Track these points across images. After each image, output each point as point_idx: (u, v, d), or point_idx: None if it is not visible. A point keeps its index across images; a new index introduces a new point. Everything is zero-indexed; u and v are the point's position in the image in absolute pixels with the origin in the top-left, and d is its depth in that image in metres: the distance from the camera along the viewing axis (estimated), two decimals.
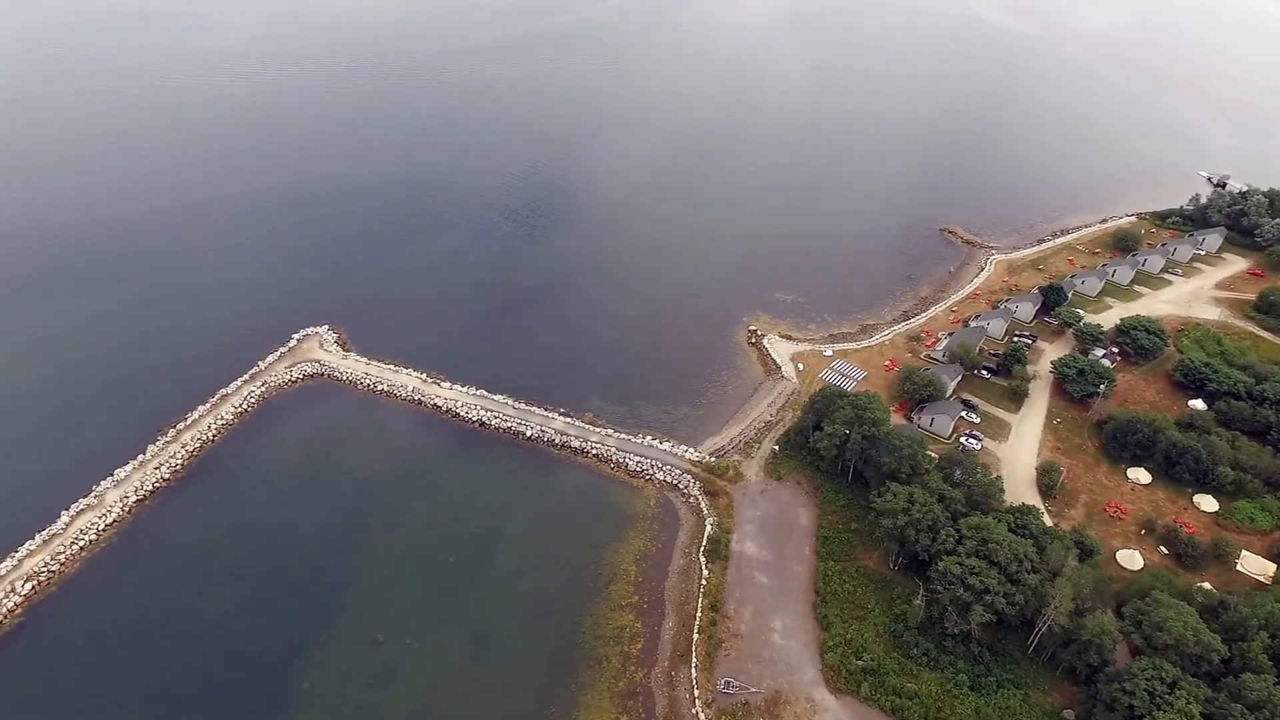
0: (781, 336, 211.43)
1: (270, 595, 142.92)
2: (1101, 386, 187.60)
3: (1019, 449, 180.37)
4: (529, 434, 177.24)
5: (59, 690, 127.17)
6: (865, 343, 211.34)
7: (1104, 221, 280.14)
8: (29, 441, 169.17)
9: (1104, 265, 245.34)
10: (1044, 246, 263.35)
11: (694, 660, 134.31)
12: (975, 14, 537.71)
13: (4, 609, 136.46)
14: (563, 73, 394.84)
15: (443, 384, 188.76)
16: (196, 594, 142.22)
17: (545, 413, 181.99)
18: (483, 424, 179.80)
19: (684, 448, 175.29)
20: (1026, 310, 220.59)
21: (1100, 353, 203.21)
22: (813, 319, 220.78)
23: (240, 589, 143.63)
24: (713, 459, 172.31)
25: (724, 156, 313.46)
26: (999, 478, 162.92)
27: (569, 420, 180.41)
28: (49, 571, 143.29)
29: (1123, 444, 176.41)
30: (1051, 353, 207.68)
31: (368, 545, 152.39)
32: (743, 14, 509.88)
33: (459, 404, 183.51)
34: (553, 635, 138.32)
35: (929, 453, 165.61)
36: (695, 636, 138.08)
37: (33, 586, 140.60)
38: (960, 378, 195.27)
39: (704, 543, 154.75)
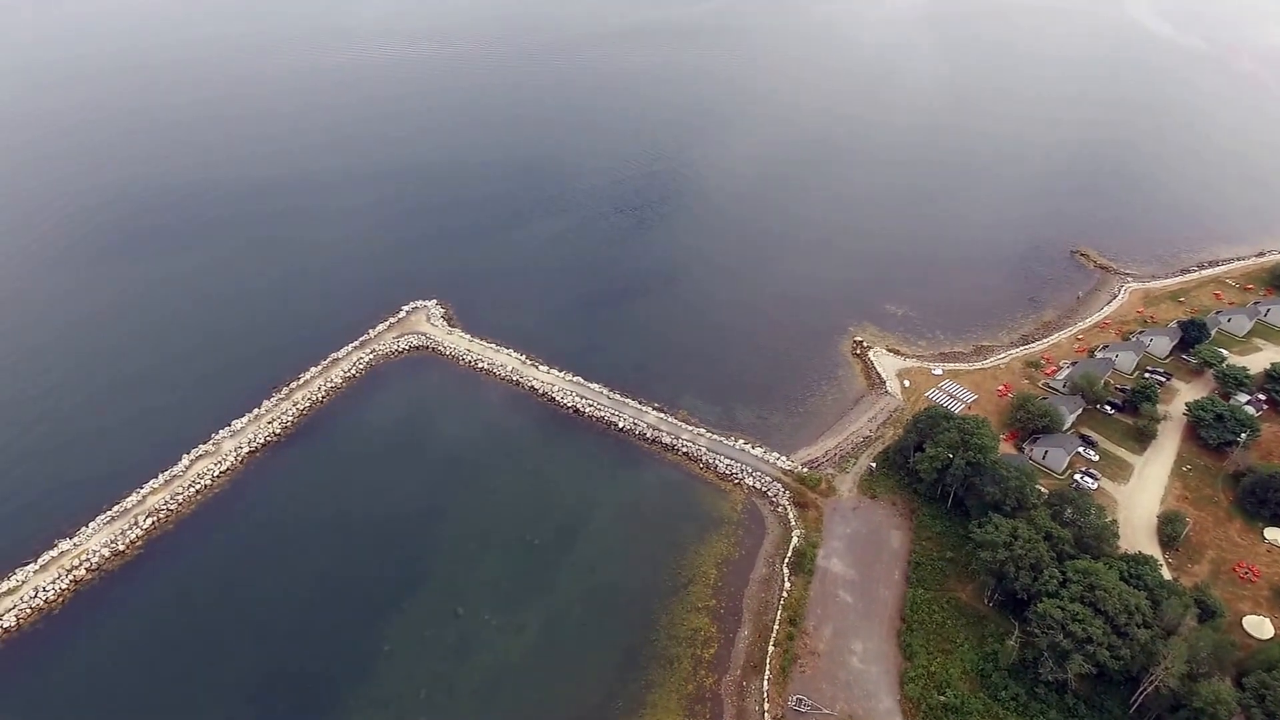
0: (889, 350, 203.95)
1: (361, 556, 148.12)
2: (1242, 435, 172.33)
3: (1140, 493, 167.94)
4: (621, 425, 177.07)
5: (166, 619, 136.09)
6: (978, 364, 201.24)
7: (1261, 255, 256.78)
8: (161, 385, 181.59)
9: (1256, 303, 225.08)
10: (1187, 278, 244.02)
11: (767, 673, 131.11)
12: (1133, 21, 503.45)
13: (127, 539, 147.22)
14: (686, 63, 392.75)
15: (541, 367, 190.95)
16: (295, 547, 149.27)
17: (639, 405, 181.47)
18: (577, 411, 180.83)
19: (776, 455, 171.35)
20: (1162, 345, 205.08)
21: (1244, 398, 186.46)
22: (923, 335, 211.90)
23: (334, 546, 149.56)
24: (805, 469, 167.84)
25: (846, 157, 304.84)
26: (1114, 521, 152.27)
27: (662, 415, 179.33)
28: (168, 510, 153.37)
29: (1262, 500, 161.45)
30: (1187, 394, 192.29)
31: (456, 518, 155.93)
32: (880, 12, 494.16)
33: (555, 388, 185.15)
34: (627, 629, 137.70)
35: (1038, 487, 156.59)
36: (771, 649, 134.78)
37: (153, 522, 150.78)
38: (1080, 411, 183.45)
39: (789, 554, 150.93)
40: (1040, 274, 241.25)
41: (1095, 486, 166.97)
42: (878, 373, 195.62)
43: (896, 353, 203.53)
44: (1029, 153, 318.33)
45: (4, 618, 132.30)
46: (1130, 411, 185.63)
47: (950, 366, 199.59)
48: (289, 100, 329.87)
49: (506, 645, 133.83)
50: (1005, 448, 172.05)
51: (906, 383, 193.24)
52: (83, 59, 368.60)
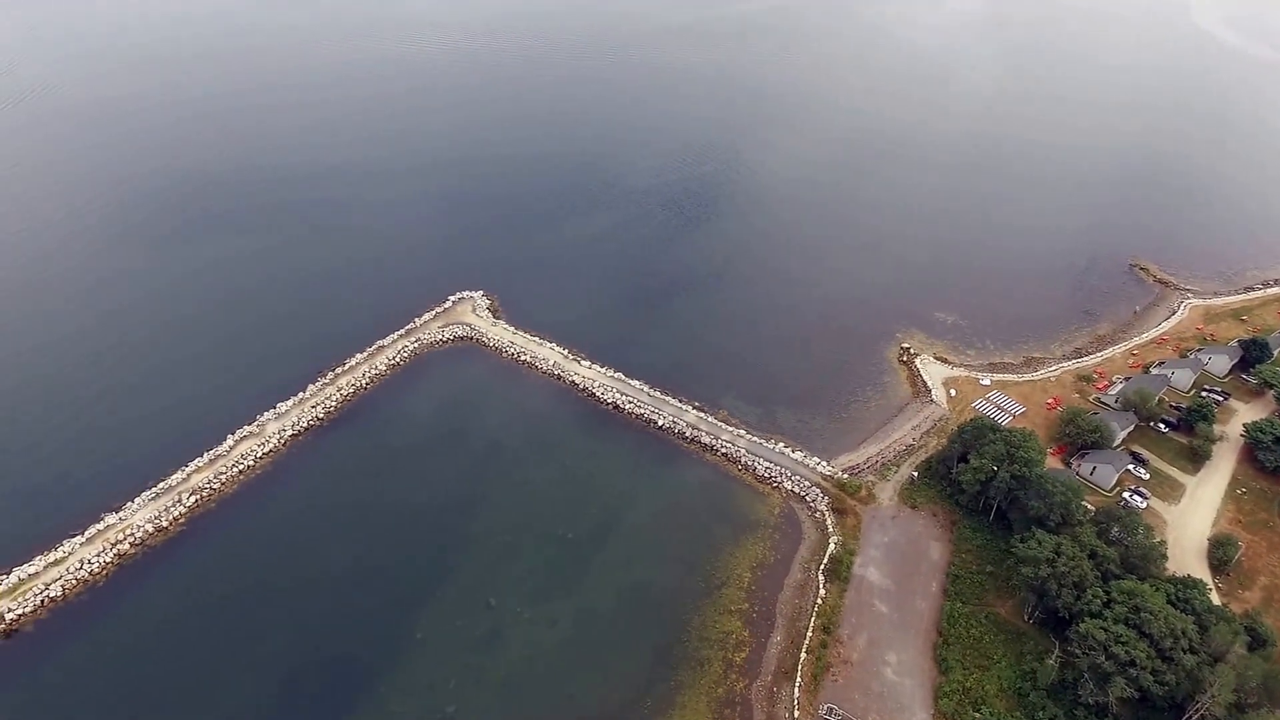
0: (936, 358, 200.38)
1: (396, 542, 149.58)
2: None
3: (1191, 515, 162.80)
4: (660, 423, 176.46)
5: (205, 596, 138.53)
6: (1028, 376, 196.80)
7: None
8: (209, 365, 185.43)
9: None
10: (1251, 295, 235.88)
11: (798, 680, 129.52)
12: (1198, 29, 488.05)
13: (171, 516, 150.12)
14: (738, 62, 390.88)
15: (583, 362, 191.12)
16: (332, 531, 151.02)
17: (679, 404, 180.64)
18: (616, 407, 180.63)
19: (816, 460, 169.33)
20: (1221, 363, 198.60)
21: None
22: (973, 344, 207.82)
23: (371, 532, 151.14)
24: (845, 476, 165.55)
25: (897, 161, 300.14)
26: (1163, 542, 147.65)
27: (702, 415, 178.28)
28: (210, 489, 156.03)
29: None
30: (1245, 414, 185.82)
31: (491, 509, 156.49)
32: (937, 16, 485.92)
33: (596, 384, 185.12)
34: (658, 629, 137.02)
35: (1085, 503, 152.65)
36: (803, 656, 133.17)
37: (196, 500, 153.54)
38: (1132, 428, 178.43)
39: (825, 561, 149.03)
40: (1096, 286, 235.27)
41: (1144, 505, 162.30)
42: (924, 380, 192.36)
43: (944, 361, 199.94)
44: (1088, 162, 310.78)
45: (50, 588, 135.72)
46: (1185, 430, 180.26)
47: (999, 377, 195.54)
48: (344, 89, 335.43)
49: (537, 638, 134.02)
50: (1052, 462, 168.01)
51: (953, 392, 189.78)
52: (145, 46, 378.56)
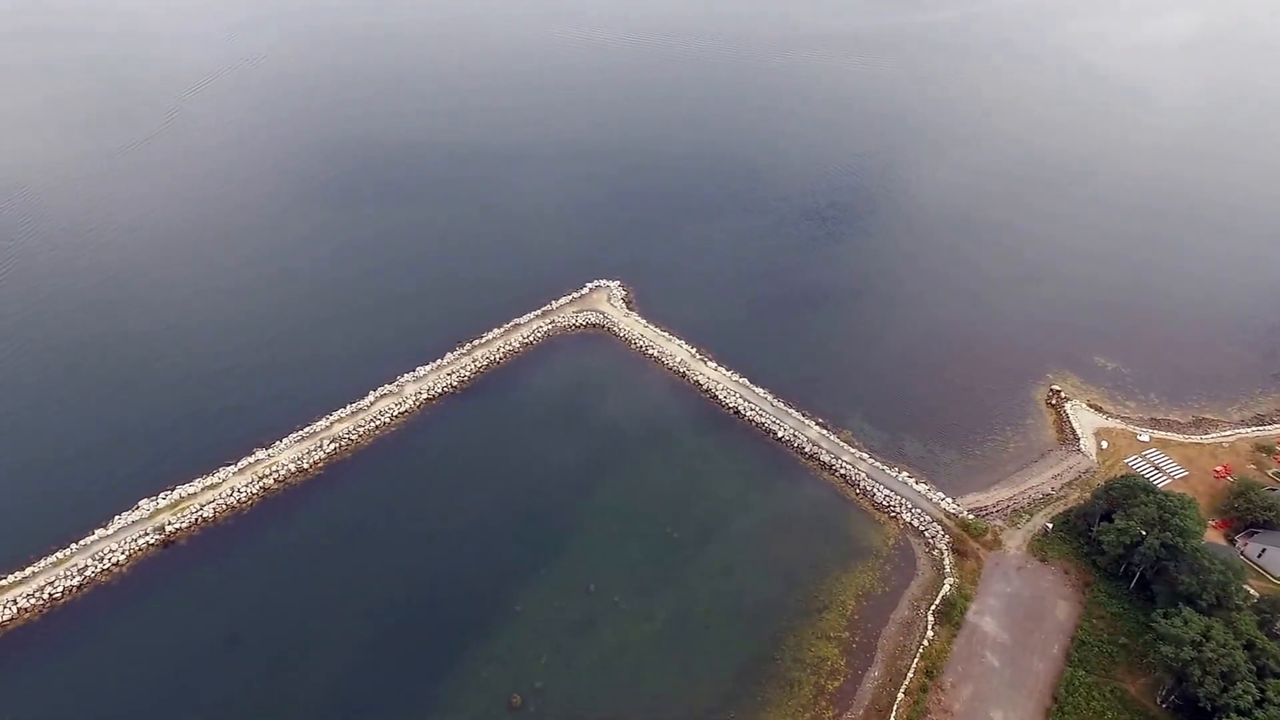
0: (1089, 405, 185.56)
1: (508, 514, 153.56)
2: None
3: None
4: (780, 434, 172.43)
5: (332, 537, 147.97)
6: (1195, 438, 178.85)
7: None
8: (361, 324, 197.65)
9: None
10: None
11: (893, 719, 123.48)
12: None
13: (312, 459, 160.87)
14: (900, 76, 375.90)
15: (709, 363, 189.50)
16: (451, 493, 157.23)
17: (802, 418, 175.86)
18: (737, 412, 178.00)
19: (941, 495, 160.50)
20: None
21: None
22: (1134, 395, 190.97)
23: (485, 500, 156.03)
24: (971, 516, 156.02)
25: (1069, 192, 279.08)
26: None
27: (824, 432, 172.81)
28: (349, 439, 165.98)
29: None
30: None
31: (602, 496, 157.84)
32: (1133, 39, 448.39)
33: (720, 386, 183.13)
34: (752, 642, 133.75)
35: (1246, 587, 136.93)
36: (900, 696, 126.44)
37: (335, 448, 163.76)
38: None
39: (937, 601, 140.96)
40: None
41: None
42: (1073, 428, 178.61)
43: (1098, 409, 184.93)
44: None
45: (204, 509, 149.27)
46: None
47: (1160, 434, 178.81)
48: (507, 76, 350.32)
49: (630, 631, 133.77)
50: (1213, 536, 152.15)
51: (1104, 444, 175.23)
52: (342, 27, 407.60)
